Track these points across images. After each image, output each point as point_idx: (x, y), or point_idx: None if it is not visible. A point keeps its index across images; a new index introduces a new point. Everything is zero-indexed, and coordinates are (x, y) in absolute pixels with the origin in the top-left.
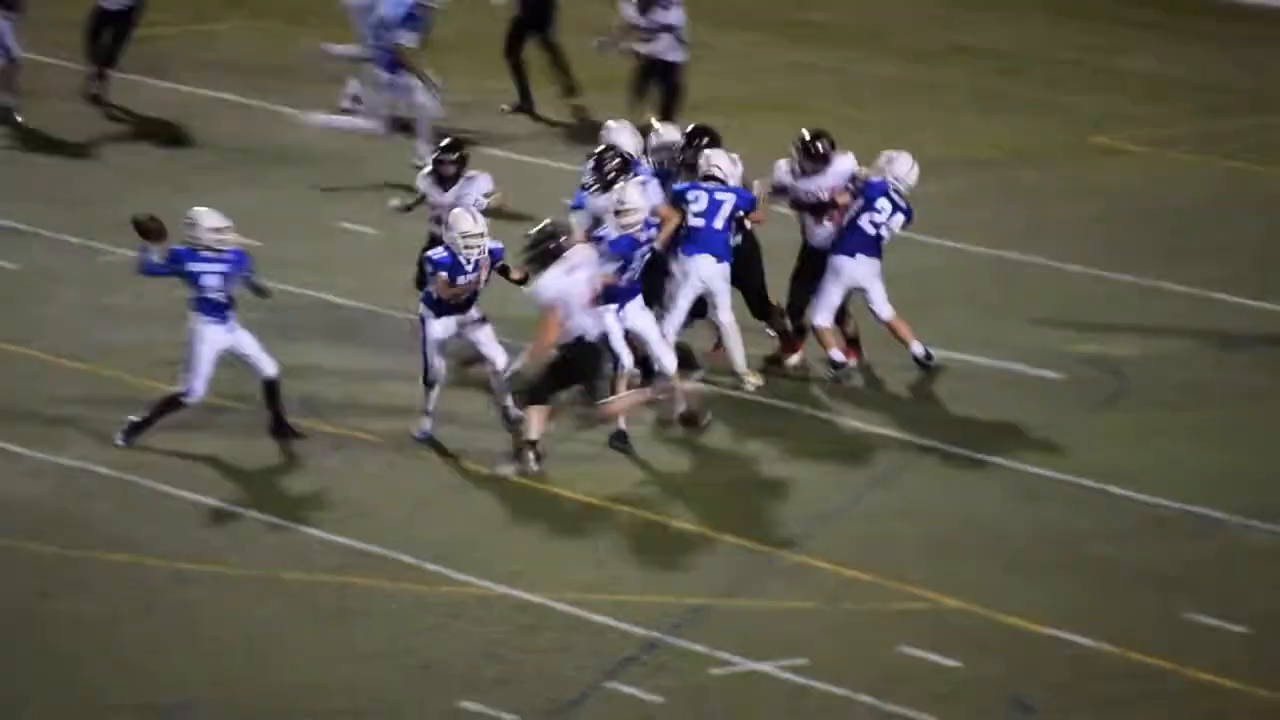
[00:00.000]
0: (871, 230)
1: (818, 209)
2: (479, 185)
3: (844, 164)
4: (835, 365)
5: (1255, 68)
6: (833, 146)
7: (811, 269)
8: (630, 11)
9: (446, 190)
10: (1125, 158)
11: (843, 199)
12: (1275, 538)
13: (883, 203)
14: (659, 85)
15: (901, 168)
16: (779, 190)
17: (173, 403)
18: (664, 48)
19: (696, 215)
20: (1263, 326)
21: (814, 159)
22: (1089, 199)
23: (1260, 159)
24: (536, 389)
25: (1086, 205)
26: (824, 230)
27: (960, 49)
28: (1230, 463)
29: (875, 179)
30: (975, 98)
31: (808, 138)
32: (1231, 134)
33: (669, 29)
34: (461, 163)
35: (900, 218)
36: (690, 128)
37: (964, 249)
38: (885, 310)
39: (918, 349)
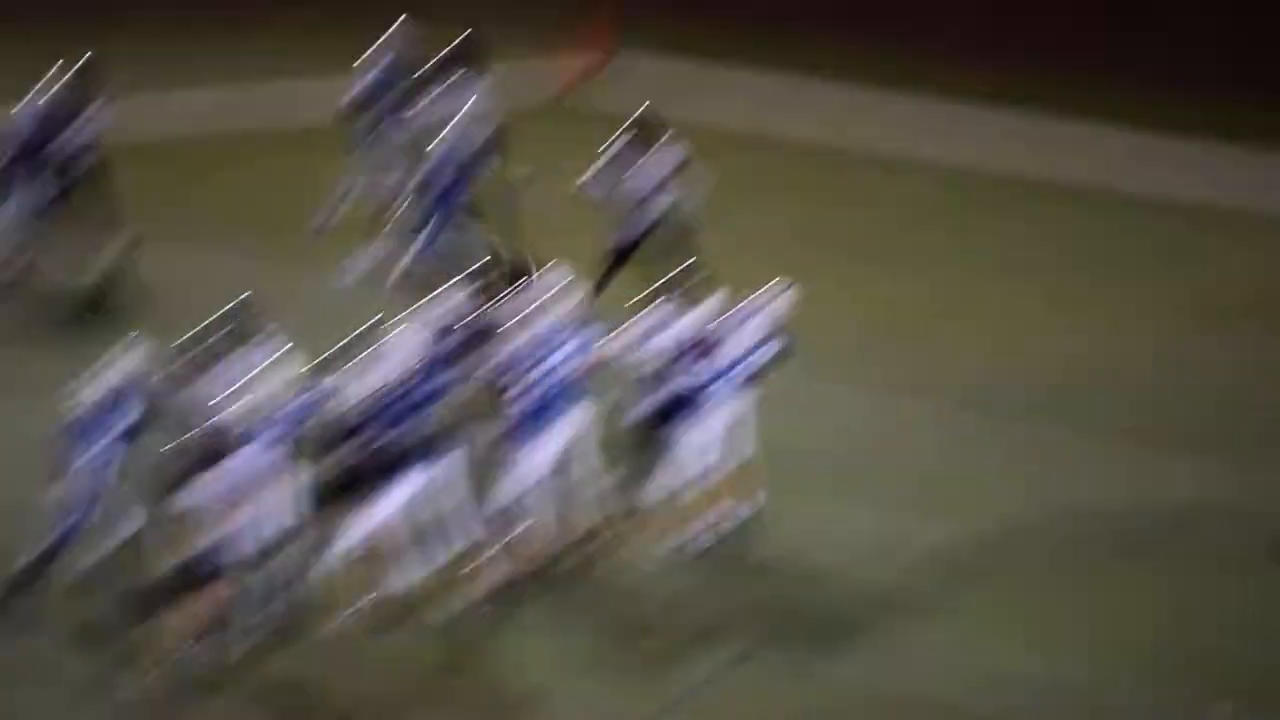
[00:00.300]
0: (733, 364)
1: (694, 348)
2: (259, 355)
3: (715, 302)
4: (695, 540)
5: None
6: (703, 285)
7: (662, 419)
8: (616, 165)
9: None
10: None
11: (715, 338)
12: None
13: (745, 336)
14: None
15: (767, 301)
16: (649, 333)
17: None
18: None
19: (553, 366)
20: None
21: (687, 296)
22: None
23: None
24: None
25: (973, 357)
26: (692, 374)
27: (857, 200)
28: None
29: (743, 312)
30: (873, 249)
31: (679, 275)
32: None
33: (672, 177)
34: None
35: (771, 349)
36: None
37: (850, 395)
38: (742, 451)
39: (742, 511)
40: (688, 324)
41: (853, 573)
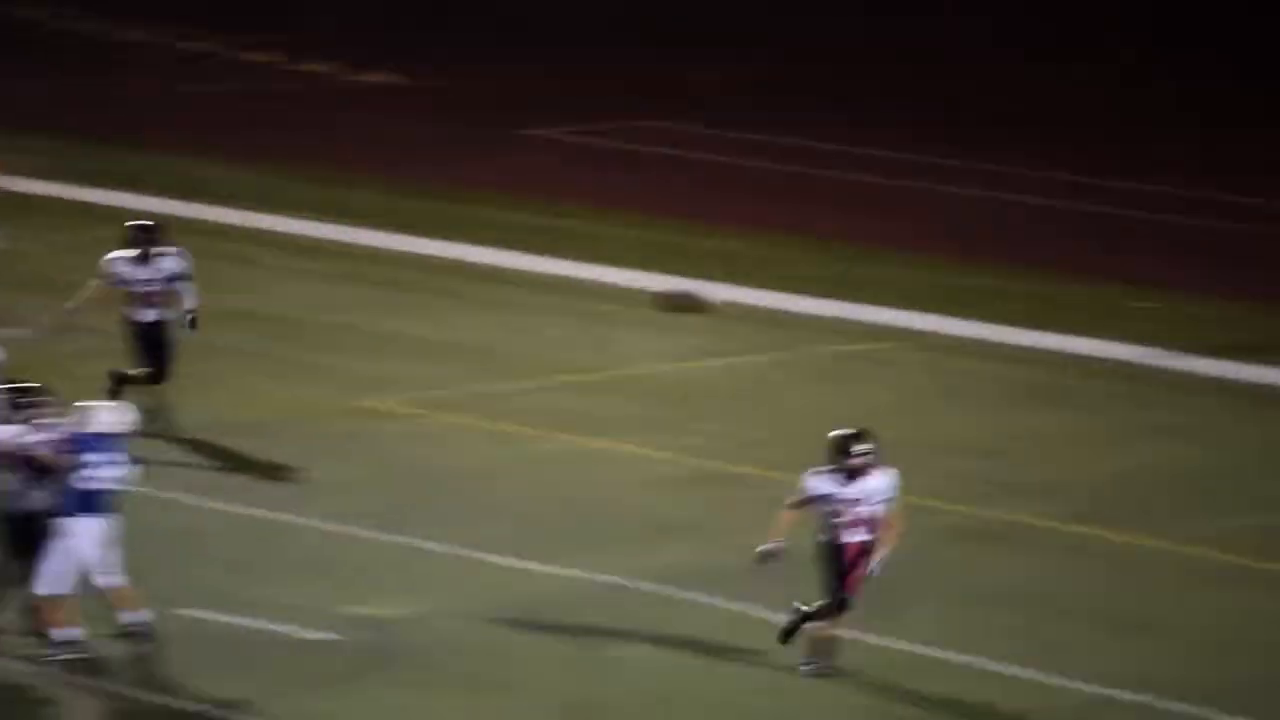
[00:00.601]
0: (93, 485)
1: (37, 467)
2: None
3: (65, 420)
4: (59, 643)
5: (544, 334)
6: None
7: (27, 536)
8: (125, 268)
9: None
10: (397, 420)
11: (56, 457)
12: None
13: (98, 456)
14: (157, 347)
15: (105, 417)
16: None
17: None
18: (168, 305)
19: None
20: (526, 585)
21: (23, 408)
22: (360, 461)
23: (530, 422)
24: None
25: (358, 467)
26: (42, 491)
27: (237, 312)
28: None
29: (84, 432)
30: (253, 359)
31: (19, 386)
32: (501, 396)
33: (180, 278)
34: None
35: (124, 469)
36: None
37: (226, 510)
38: (112, 577)
39: (137, 617)
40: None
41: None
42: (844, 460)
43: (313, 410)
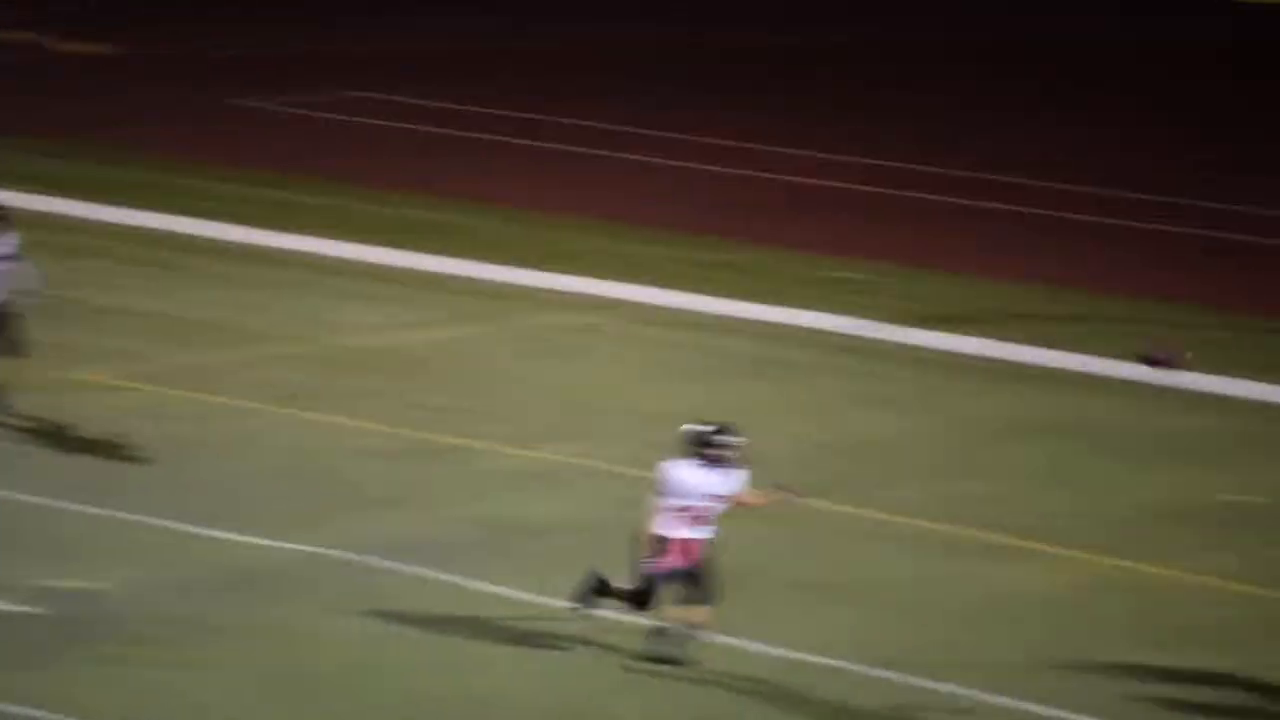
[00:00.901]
0: None
1: None
2: None
3: None
4: None
5: (256, 307)
6: None
7: None
8: None
9: None
10: (109, 392)
11: None
12: None
13: None
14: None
15: None
16: None
17: None
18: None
19: None
20: (235, 557)
21: None
22: (70, 433)
23: (243, 395)
24: None
25: (67, 439)
26: None
27: None
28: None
29: None
30: None
31: None
32: (215, 368)
33: (11, 258)
34: None
35: None
36: None
37: None
38: None
39: None
40: None
41: None
42: (706, 453)
43: (22, 383)
